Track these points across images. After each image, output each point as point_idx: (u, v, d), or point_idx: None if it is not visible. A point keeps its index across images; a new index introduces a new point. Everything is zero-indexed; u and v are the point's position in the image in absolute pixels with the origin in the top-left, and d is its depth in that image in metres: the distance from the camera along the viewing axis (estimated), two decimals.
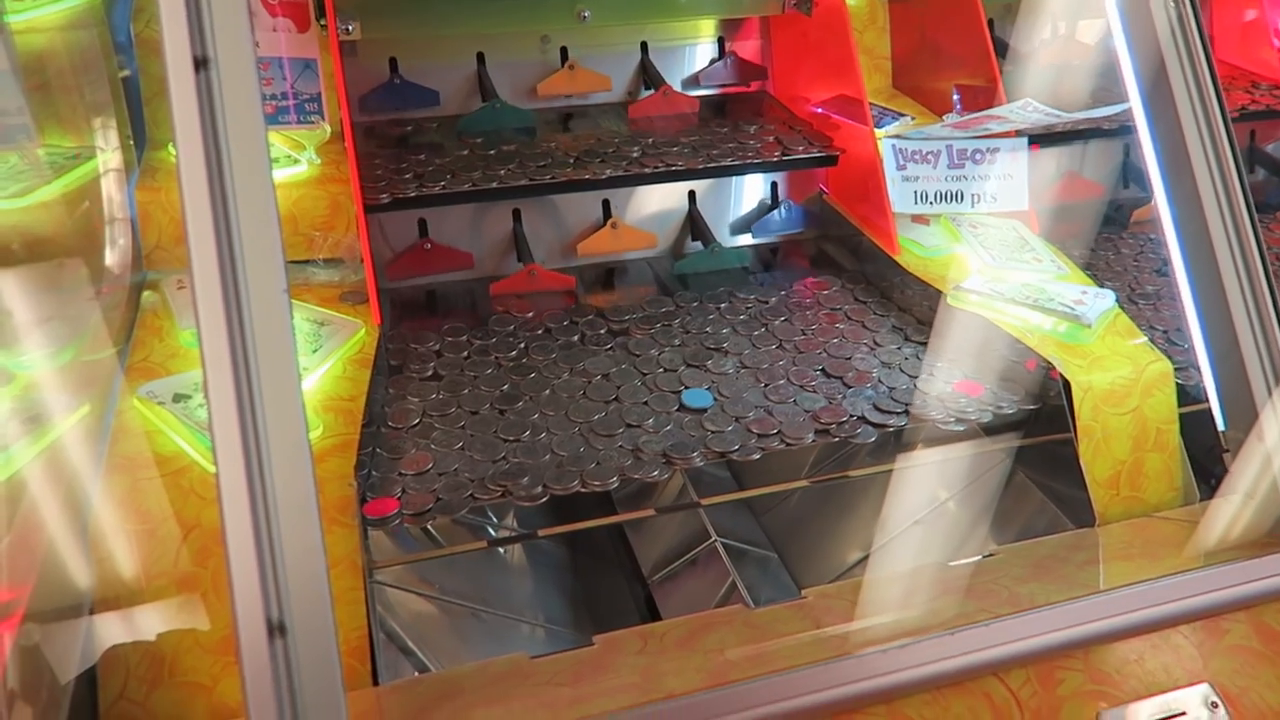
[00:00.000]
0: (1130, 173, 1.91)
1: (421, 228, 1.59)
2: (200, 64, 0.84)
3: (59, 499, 1.01)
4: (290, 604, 0.78)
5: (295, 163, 1.54)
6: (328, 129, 1.55)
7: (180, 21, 0.84)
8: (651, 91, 1.76)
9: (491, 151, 1.58)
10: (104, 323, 1.29)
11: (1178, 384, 1.31)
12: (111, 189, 1.40)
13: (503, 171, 1.49)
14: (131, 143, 1.50)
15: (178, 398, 1.17)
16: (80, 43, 1.50)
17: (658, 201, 1.73)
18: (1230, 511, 1.12)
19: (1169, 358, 1.32)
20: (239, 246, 0.82)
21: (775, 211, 1.72)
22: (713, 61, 1.84)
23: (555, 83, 1.74)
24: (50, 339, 1.19)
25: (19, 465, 1.01)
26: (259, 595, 0.77)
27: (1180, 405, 1.31)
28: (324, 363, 1.28)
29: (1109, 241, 1.76)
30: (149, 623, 1.00)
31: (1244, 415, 1.08)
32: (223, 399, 0.79)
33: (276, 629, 0.77)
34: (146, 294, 1.39)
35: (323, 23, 1.54)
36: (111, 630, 0.98)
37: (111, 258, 1.37)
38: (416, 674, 1.20)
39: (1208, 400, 1.16)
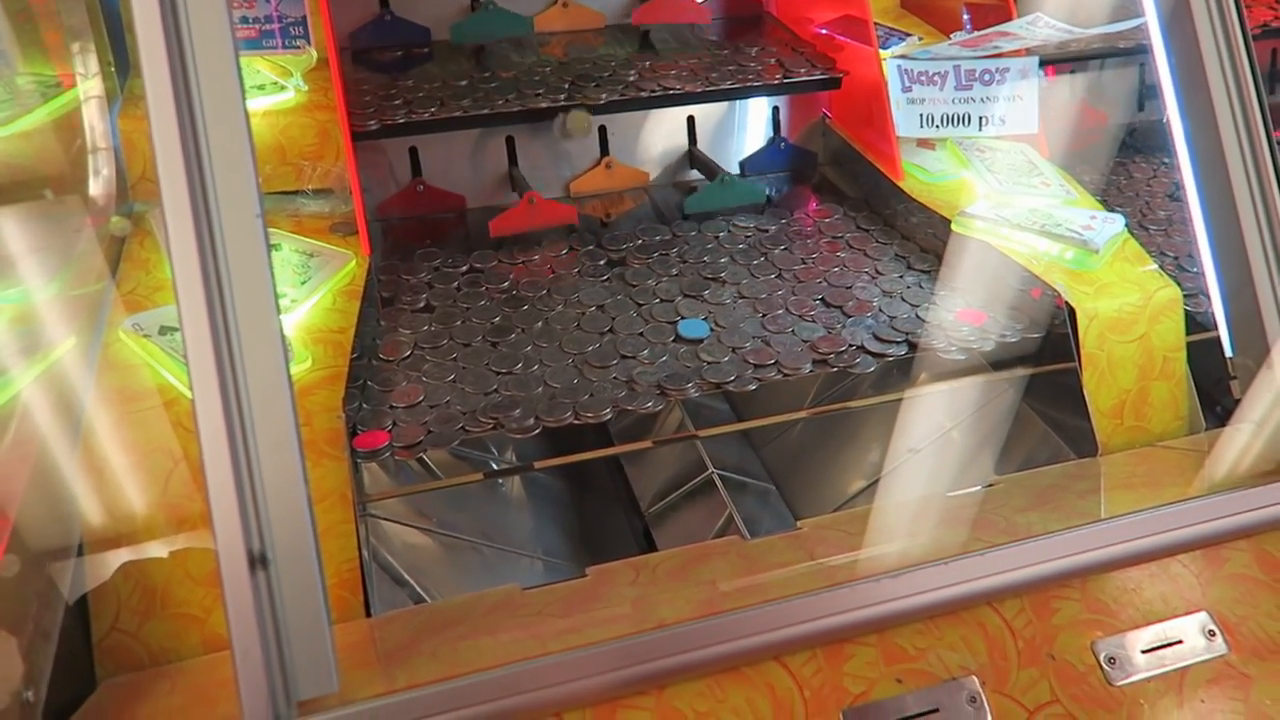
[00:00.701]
0: (1145, 96, 1.85)
1: (412, 155, 1.55)
2: None
3: (47, 431, 1.00)
4: (272, 535, 0.78)
5: (281, 89, 1.50)
6: (314, 54, 1.51)
7: None
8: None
9: (485, 73, 1.53)
10: (89, 254, 1.26)
11: (1186, 311, 1.28)
12: (93, 117, 1.37)
13: (497, 99, 1.45)
14: (113, 69, 1.46)
15: (164, 330, 1.15)
16: None
17: (654, 127, 1.68)
18: (1239, 441, 1.10)
19: (1178, 284, 1.28)
20: (209, 171, 0.79)
21: (772, 149, 1.66)
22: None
23: (551, 17, 1.68)
24: (35, 271, 1.17)
25: (6, 397, 1.00)
26: (239, 527, 0.76)
27: (1188, 333, 1.28)
28: (313, 294, 1.26)
29: (1121, 166, 1.71)
30: (139, 554, 0.99)
31: (1254, 342, 1.05)
32: (198, 328, 0.77)
33: (258, 560, 0.76)
34: (115, 220, 1.36)
35: None
36: (102, 562, 0.98)
37: (96, 188, 1.34)
38: (410, 605, 1.20)
39: (1217, 327, 1.13)
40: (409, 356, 1.24)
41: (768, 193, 1.61)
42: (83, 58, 1.39)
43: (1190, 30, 1.08)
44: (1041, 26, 1.37)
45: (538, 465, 1.33)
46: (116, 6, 1.54)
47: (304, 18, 1.50)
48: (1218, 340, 1.14)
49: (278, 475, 0.78)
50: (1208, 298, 1.15)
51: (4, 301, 1.13)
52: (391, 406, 1.15)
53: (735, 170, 1.69)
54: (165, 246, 0.78)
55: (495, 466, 1.49)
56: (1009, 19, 1.65)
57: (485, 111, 1.45)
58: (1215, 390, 1.28)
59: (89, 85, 1.39)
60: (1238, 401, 1.10)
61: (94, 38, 1.43)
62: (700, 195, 1.58)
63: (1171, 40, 1.10)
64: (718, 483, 1.31)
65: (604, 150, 1.63)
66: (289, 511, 0.79)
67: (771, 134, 1.71)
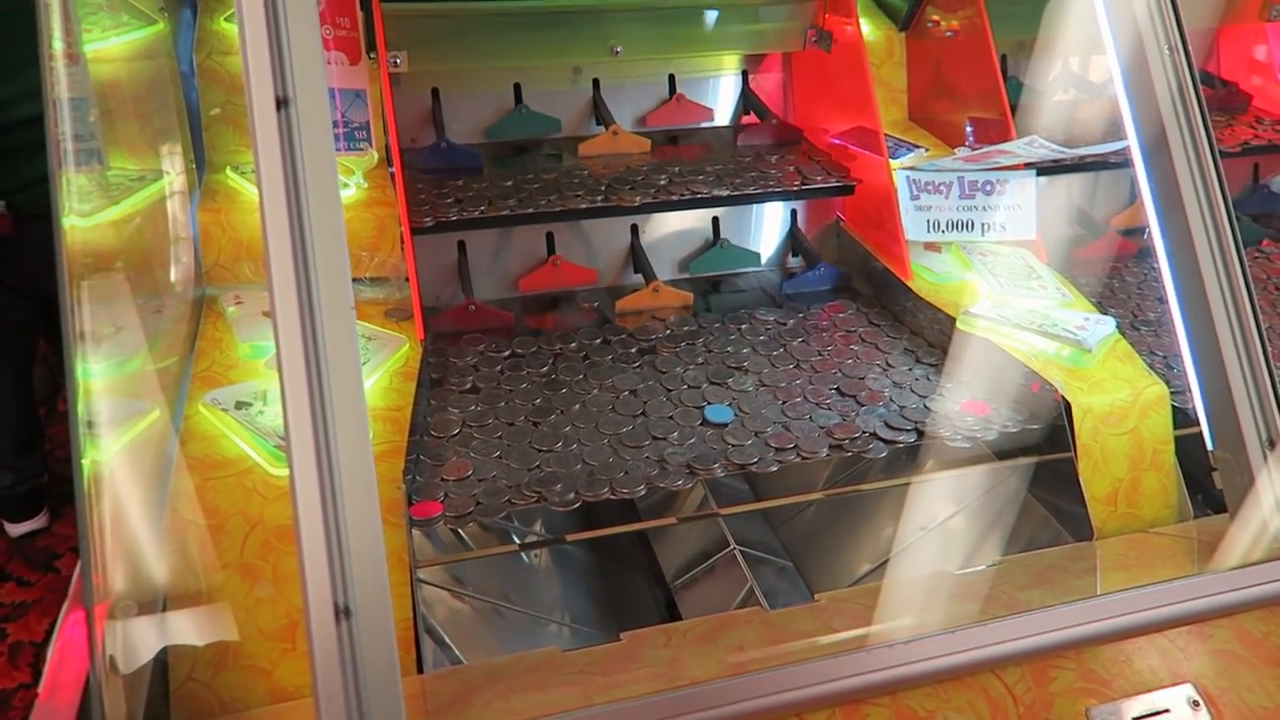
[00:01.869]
0: (1139, 200, 1.99)
1: (460, 248, 1.68)
2: (281, 103, 0.94)
3: (136, 495, 1.11)
4: (354, 590, 0.88)
5: (345, 187, 1.64)
6: (375, 155, 1.66)
7: (265, 64, 0.94)
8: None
9: (529, 175, 1.68)
10: (170, 333, 1.39)
11: (1174, 406, 1.38)
12: (176, 210, 1.51)
13: (540, 200, 1.59)
14: (194, 167, 1.61)
15: (240, 404, 1.27)
16: (147, 71, 1.61)
17: (681, 225, 1.82)
18: (1222, 529, 1.20)
19: (1166, 382, 1.39)
20: (314, 269, 0.92)
21: (811, 272, 1.78)
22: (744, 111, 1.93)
23: (598, 144, 1.81)
24: (121, 348, 1.29)
25: (99, 464, 1.10)
26: (328, 581, 0.86)
27: (1178, 426, 1.39)
28: (372, 375, 1.38)
29: (1115, 269, 1.84)
30: (216, 610, 1.09)
31: (1232, 439, 1.16)
32: (298, 404, 0.88)
33: (343, 612, 0.86)
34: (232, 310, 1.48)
35: (373, 55, 1.65)
36: (183, 616, 1.07)
37: (176, 274, 1.47)
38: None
39: (1199, 422, 1.23)
40: (458, 434, 1.35)
41: (758, 264, 1.78)
42: (170, 156, 1.53)
43: (1167, 155, 1.21)
44: (1037, 147, 1.52)
45: (570, 538, 1.42)
46: (197, 108, 1.70)
47: (367, 123, 1.66)
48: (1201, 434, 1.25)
49: (361, 536, 0.89)
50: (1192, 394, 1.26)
51: (94, 376, 1.24)
52: (443, 479, 1.26)
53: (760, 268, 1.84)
54: (275, 332, 0.90)
55: (523, 539, 1.59)
56: (1008, 133, 1.80)
57: (529, 210, 1.59)
58: (1205, 478, 1.38)
59: (174, 180, 1.53)
60: (1221, 492, 1.21)
61: (180, 137, 1.58)
62: (703, 258, 1.77)
63: (1151, 164, 1.23)
64: (739, 558, 1.40)
65: (639, 258, 1.76)
66: (369, 569, 0.89)
67: (804, 250, 1.84)
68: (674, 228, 1.80)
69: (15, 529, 2.81)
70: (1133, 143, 1.24)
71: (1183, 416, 1.39)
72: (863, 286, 1.76)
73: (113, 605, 0.94)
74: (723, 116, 1.95)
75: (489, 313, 1.61)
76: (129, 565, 1.02)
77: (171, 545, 1.11)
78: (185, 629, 1.07)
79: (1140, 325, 1.64)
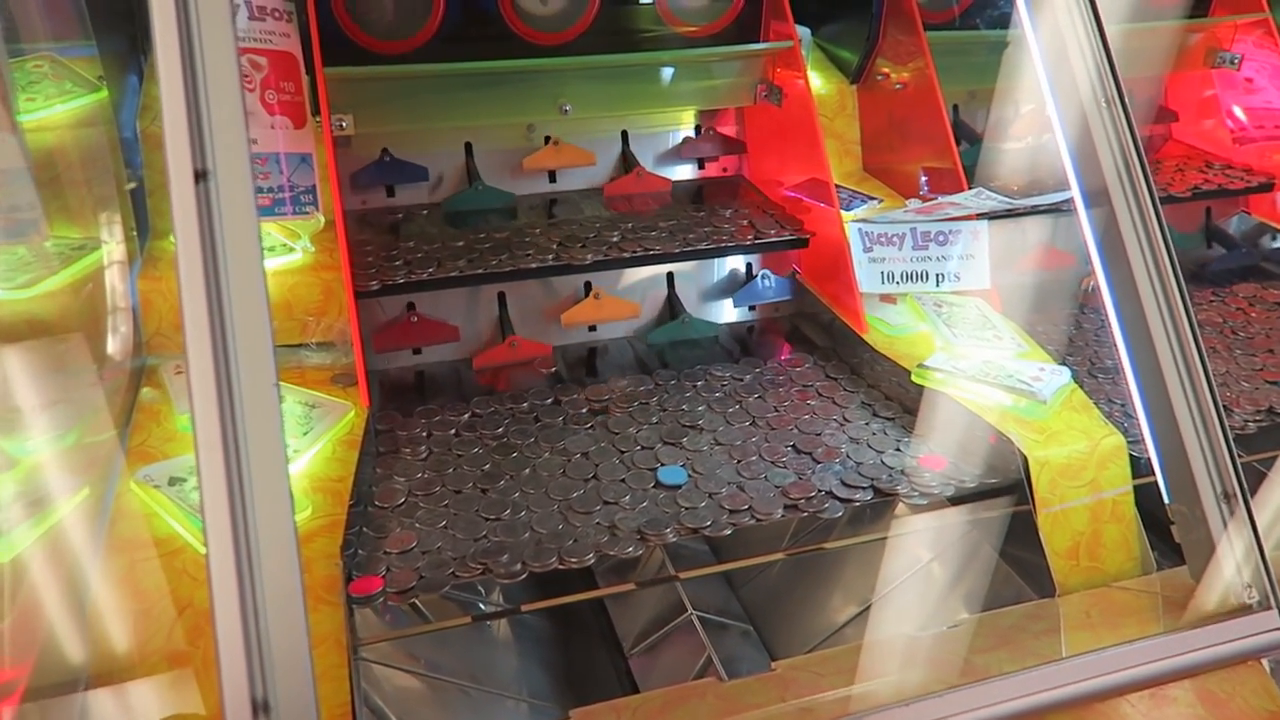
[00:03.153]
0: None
1: (410, 310, 1.66)
2: (200, 176, 0.92)
3: (60, 579, 1.06)
4: (275, 683, 0.83)
5: (290, 251, 1.62)
6: (321, 219, 1.63)
7: (183, 135, 0.92)
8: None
9: (480, 235, 1.66)
10: (105, 407, 1.35)
11: (1133, 456, 1.37)
12: (115, 279, 1.48)
13: (491, 260, 1.57)
14: (135, 233, 1.58)
15: (173, 481, 1.23)
16: (88, 139, 1.59)
17: (637, 282, 1.80)
18: (1183, 585, 1.18)
19: (1124, 431, 1.38)
20: (233, 343, 0.89)
21: (757, 280, 1.79)
22: (689, 140, 1.93)
23: (541, 158, 1.82)
24: (54, 423, 1.25)
25: (22, 546, 1.06)
26: (244, 674, 0.81)
27: (1138, 476, 1.37)
28: (314, 444, 1.34)
29: (1072, 317, 1.84)
30: (143, 700, 1.04)
31: (1187, 492, 1.14)
32: (214, 486, 0.85)
33: (261, 707, 0.82)
34: (145, 391, 1.45)
35: (318, 118, 1.64)
36: (106, 708, 1.02)
37: (113, 344, 1.43)
38: None
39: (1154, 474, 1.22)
40: (403, 503, 1.31)
41: (715, 333, 1.77)
42: (108, 225, 1.51)
43: (1109, 207, 1.21)
44: (985, 199, 1.52)
45: (525, 608, 1.38)
46: (141, 174, 1.68)
47: (313, 186, 1.64)
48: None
49: (282, 625, 0.85)
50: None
51: (24, 452, 1.20)
52: (386, 552, 1.22)
53: (723, 295, 1.84)
54: (190, 410, 0.86)
55: (483, 607, 1.54)
56: (960, 182, 1.81)
57: (480, 271, 1.57)
58: (1167, 526, 1.35)
59: (112, 249, 1.50)
60: (1179, 546, 1.18)
61: (119, 204, 1.55)
62: (663, 330, 1.75)
63: (1093, 215, 1.23)
64: (696, 624, 1.36)
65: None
66: (291, 660, 0.85)
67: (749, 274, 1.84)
68: (627, 285, 1.79)
69: None
70: (1075, 194, 1.24)
71: (1141, 465, 1.37)
72: (819, 338, 1.75)
73: (20, 702, 0.89)
74: (677, 172, 1.95)
75: (432, 326, 1.59)
76: (46, 655, 0.97)
77: (96, 631, 1.06)
78: (107, 718, 1.02)
79: (1098, 373, 1.63)
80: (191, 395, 0.87)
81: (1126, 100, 1.18)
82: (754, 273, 1.84)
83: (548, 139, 1.83)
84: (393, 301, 1.65)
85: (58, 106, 1.57)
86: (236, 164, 0.93)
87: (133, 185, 1.60)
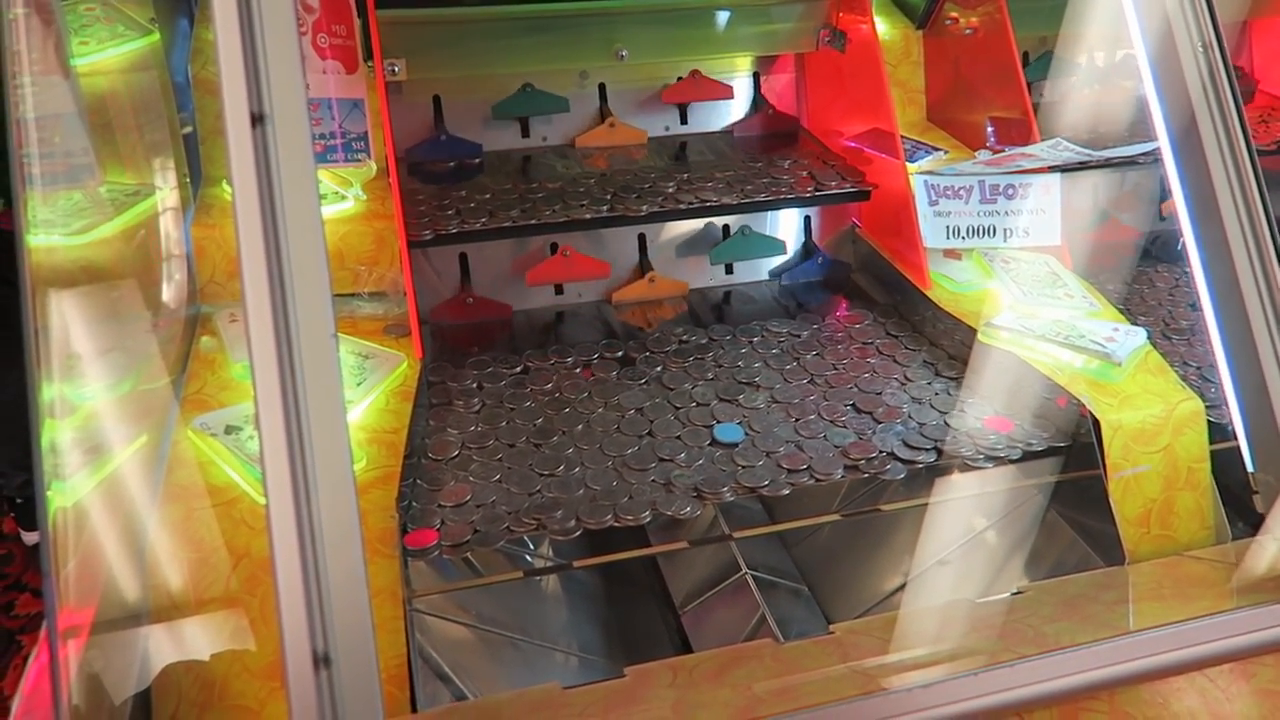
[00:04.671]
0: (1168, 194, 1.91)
1: (462, 261, 1.63)
2: (257, 120, 0.89)
3: (119, 526, 1.06)
4: (335, 636, 0.82)
5: (342, 199, 1.60)
6: (374, 166, 1.61)
7: (239, 79, 0.89)
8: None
9: (533, 185, 1.63)
10: (160, 354, 1.34)
11: (1210, 422, 1.31)
12: (169, 225, 1.47)
13: (544, 210, 1.54)
14: (188, 180, 1.56)
15: (229, 429, 1.22)
16: (141, 84, 1.57)
17: (692, 233, 1.76)
18: (1264, 556, 1.13)
19: (1201, 395, 1.32)
20: (291, 293, 0.87)
21: (809, 262, 1.75)
22: (747, 116, 1.87)
23: (595, 137, 1.78)
24: (110, 370, 1.25)
25: (82, 493, 1.06)
26: (305, 628, 0.81)
27: (1214, 442, 1.31)
28: (368, 395, 1.33)
29: (1144, 275, 1.76)
30: (200, 648, 1.04)
31: (1274, 460, 1.08)
32: (274, 437, 0.83)
33: (321, 660, 0.81)
34: (204, 340, 1.44)
35: (370, 64, 1.60)
36: (165, 654, 1.03)
37: (168, 292, 1.43)
38: (453, 701, 1.23)
39: (1238, 440, 1.16)
40: (456, 456, 1.30)
41: (781, 251, 1.74)
42: (162, 170, 1.49)
43: (1201, 159, 1.14)
44: (1062, 150, 1.45)
45: (577, 564, 1.37)
46: (194, 119, 1.66)
47: (365, 133, 1.61)
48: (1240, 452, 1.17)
49: (342, 577, 0.84)
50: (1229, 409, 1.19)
51: (81, 399, 1.20)
52: (440, 505, 1.21)
53: (768, 278, 1.78)
54: (249, 359, 0.85)
55: (533, 562, 1.54)
56: (1030, 132, 1.73)
57: (532, 222, 1.53)
58: (1244, 494, 1.30)
59: (166, 195, 1.49)
60: (1262, 516, 1.13)
61: (173, 151, 1.54)
62: (726, 246, 1.71)
63: (1184, 170, 1.16)
64: (751, 584, 1.34)
65: (643, 259, 1.71)
66: (351, 612, 0.84)
67: (804, 243, 1.79)
68: (682, 237, 1.75)
69: (31, 536, 2.77)
70: (1164, 145, 1.17)
71: (1219, 431, 1.31)
72: (879, 295, 1.70)
73: (86, 645, 0.89)
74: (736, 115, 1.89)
75: (487, 304, 1.57)
76: (108, 600, 0.98)
77: (154, 578, 1.06)
78: (168, 666, 1.03)
79: (1172, 334, 1.56)
80: (250, 345, 0.85)
81: (1225, 44, 1.11)
82: (810, 226, 1.79)
83: (604, 98, 1.78)
84: (447, 258, 1.62)
85: (110, 50, 1.55)
86: (294, 107, 0.90)
87: (187, 130, 1.58)
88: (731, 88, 1.82)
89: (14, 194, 0.91)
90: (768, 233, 1.78)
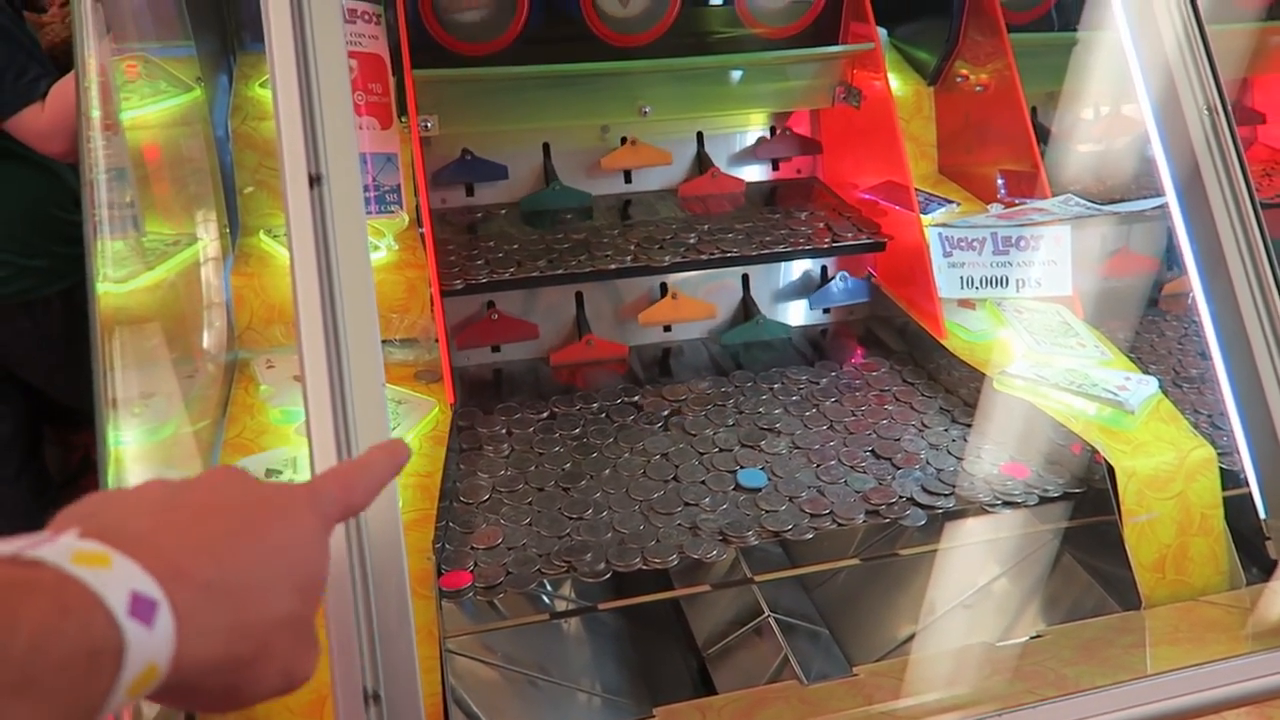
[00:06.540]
0: (1175, 254, 1.96)
1: (490, 307, 1.68)
2: (314, 180, 0.95)
3: None
4: (383, 674, 0.86)
5: (375, 249, 1.65)
6: (405, 218, 1.66)
7: (299, 142, 0.95)
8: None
9: (558, 236, 1.68)
10: (201, 399, 1.39)
11: (1222, 468, 1.34)
12: (210, 275, 1.52)
13: (570, 260, 1.59)
14: (228, 230, 1.62)
15: (269, 473, 1.27)
16: (186, 137, 1.64)
17: (712, 282, 1.81)
18: (1273, 600, 1.15)
19: (1212, 443, 1.35)
20: (345, 344, 0.91)
21: (833, 283, 1.79)
22: (761, 141, 1.94)
23: (618, 158, 1.84)
24: (153, 414, 1.29)
25: None
26: (357, 666, 0.84)
27: (1227, 488, 1.34)
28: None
29: (1153, 324, 1.80)
30: None
31: None
32: None
33: (371, 698, 0.84)
34: (263, 388, 1.49)
35: (404, 120, 1.67)
36: None
37: (209, 339, 1.48)
38: None
39: (1249, 487, 1.19)
40: (488, 500, 1.33)
41: (788, 334, 1.77)
42: (204, 222, 1.55)
43: (1207, 213, 1.19)
44: (1073, 205, 1.50)
45: (602, 607, 1.40)
46: (231, 172, 1.73)
47: (398, 186, 1.67)
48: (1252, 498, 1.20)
49: (390, 617, 0.87)
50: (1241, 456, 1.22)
51: (123, 443, 1.25)
52: (473, 548, 1.24)
53: (797, 296, 1.84)
54: (305, 408, 0.89)
55: (547, 601, 1.56)
56: (1040, 184, 1.78)
57: (559, 271, 1.59)
58: (1256, 540, 1.33)
59: (208, 246, 1.55)
60: (1275, 561, 1.16)
61: (215, 202, 1.60)
62: (737, 330, 1.76)
63: (1191, 224, 1.21)
64: (774, 626, 1.37)
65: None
66: (398, 650, 0.87)
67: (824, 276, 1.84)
68: (703, 286, 1.79)
69: None
70: (1171, 201, 1.22)
71: (1231, 477, 1.34)
72: (895, 343, 1.74)
73: None
74: (750, 172, 1.95)
75: (512, 324, 1.63)
76: None
77: None
78: None
79: (1182, 383, 1.60)
80: (306, 393, 0.89)
81: (1229, 106, 1.16)
82: (826, 277, 1.84)
83: (624, 139, 1.85)
84: (471, 301, 1.67)
85: (151, 106, 1.62)
86: (348, 168, 0.95)
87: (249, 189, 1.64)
88: (744, 183, 1.89)
89: (85, 244, 0.96)
90: (782, 282, 1.83)
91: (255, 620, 0.51)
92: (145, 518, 0.50)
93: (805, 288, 1.84)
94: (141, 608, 0.45)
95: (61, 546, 0.45)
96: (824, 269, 1.84)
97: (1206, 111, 1.16)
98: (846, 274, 1.80)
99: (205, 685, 0.49)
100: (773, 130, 1.94)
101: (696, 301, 1.75)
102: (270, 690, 0.54)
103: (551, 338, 1.73)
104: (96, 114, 1.06)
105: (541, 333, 1.70)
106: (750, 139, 1.94)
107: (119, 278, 1.44)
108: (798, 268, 1.84)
